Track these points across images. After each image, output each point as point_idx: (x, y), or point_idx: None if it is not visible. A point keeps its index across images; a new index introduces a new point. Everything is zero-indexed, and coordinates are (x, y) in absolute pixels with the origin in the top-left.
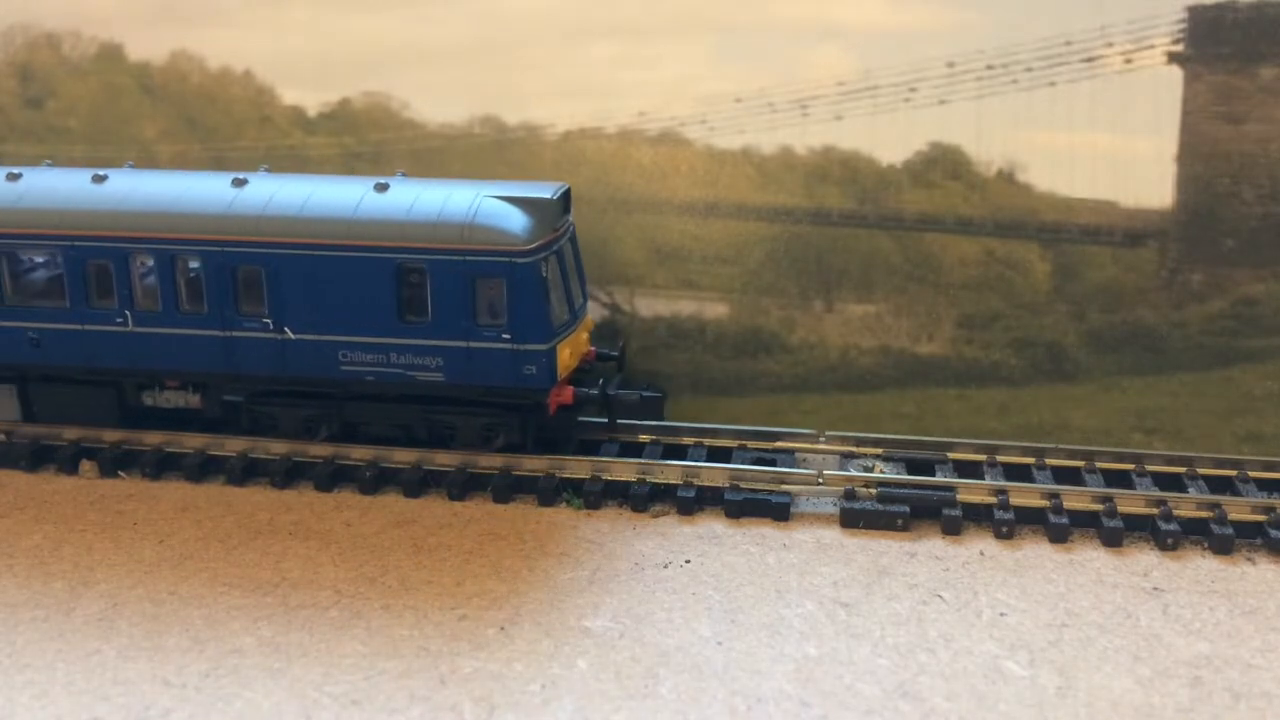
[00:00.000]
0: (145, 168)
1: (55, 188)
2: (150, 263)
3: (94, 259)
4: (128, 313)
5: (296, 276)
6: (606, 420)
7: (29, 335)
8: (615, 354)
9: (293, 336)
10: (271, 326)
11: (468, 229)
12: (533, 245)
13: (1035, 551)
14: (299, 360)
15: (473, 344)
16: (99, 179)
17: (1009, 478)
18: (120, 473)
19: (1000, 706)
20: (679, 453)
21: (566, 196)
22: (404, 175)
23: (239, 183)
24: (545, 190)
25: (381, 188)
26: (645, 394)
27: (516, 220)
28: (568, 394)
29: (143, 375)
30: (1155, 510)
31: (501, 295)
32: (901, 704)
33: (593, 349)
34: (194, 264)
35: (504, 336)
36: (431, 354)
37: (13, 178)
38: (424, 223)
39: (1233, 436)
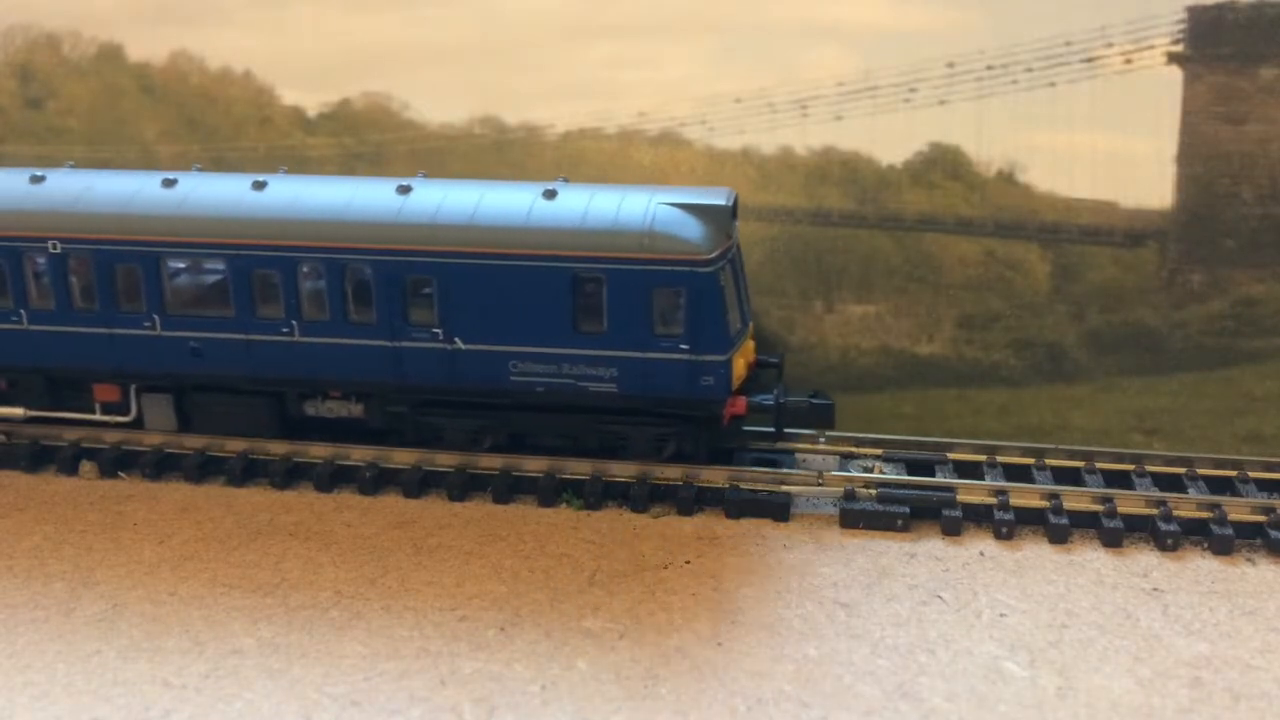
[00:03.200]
0: (301, 173)
1: (216, 195)
2: (318, 272)
3: (260, 268)
4: (294, 322)
5: (468, 286)
6: (774, 429)
7: (190, 345)
8: (775, 361)
9: (463, 347)
10: (441, 337)
11: (647, 237)
12: (713, 254)
13: (1035, 552)
14: (469, 370)
15: (648, 354)
16: (259, 185)
17: (1009, 478)
18: (120, 473)
19: (1000, 707)
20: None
21: (735, 203)
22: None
23: (403, 190)
24: (717, 196)
25: (550, 194)
26: (815, 401)
27: (695, 228)
28: (741, 404)
29: (307, 385)
30: (1155, 510)
31: (680, 305)
32: (901, 705)
33: (755, 357)
34: (363, 273)
35: (681, 347)
36: (605, 364)
37: (169, 184)
38: (601, 231)
39: (1233, 436)
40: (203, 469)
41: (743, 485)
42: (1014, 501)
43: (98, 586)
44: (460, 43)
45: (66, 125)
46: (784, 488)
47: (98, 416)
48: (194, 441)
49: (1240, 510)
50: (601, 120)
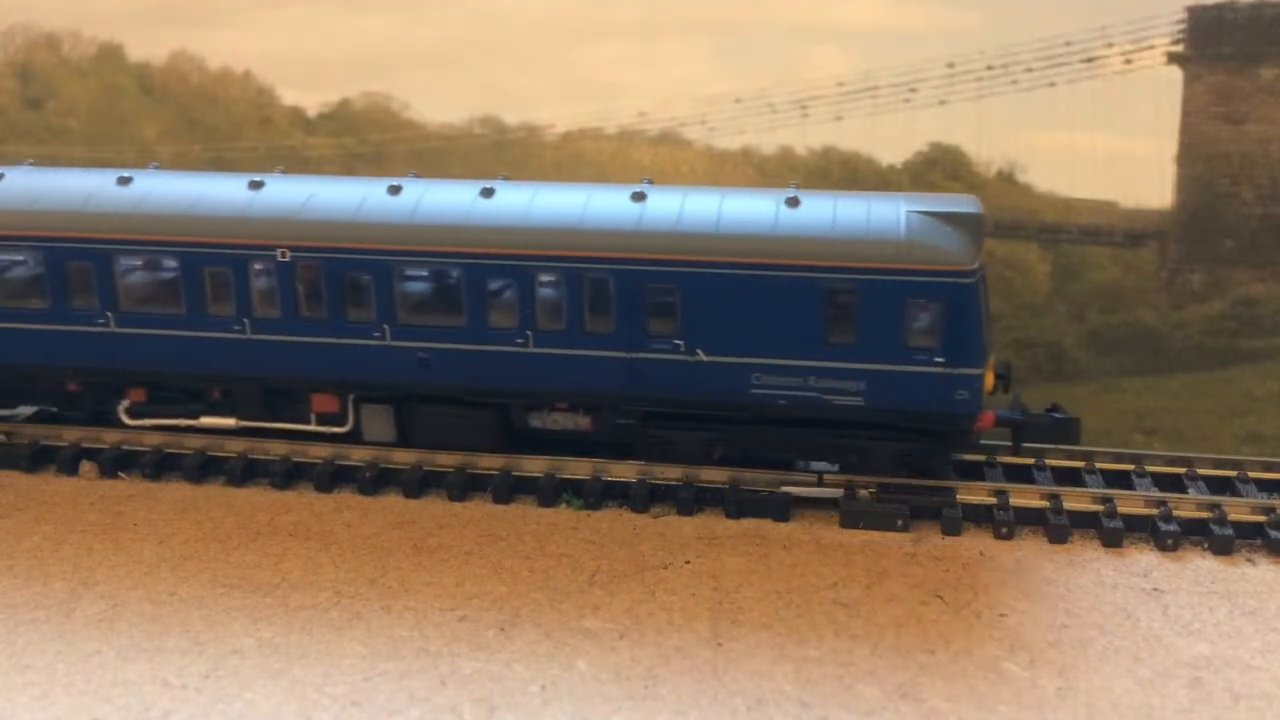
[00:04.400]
0: (527, 181)
1: (445, 202)
2: (555, 281)
3: (494, 277)
4: (529, 332)
5: (712, 296)
6: (1012, 444)
7: (418, 355)
8: (1003, 374)
9: (705, 358)
10: (683, 348)
11: (904, 247)
12: (973, 265)
13: (1035, 551)
14: (707, 383)
15: (900, 367)
16: (488, 193)
17: (1009, 478)
18: (120, 473)
19: (1000, 708)
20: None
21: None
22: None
23: (638, 197)
24: (967, 204)
25: (793, 202)
26: (1057, 416)
27: (954, 238)
28: (989, 418)
29: (536, 397)
30: (1155, 510)
31: (936, 317)
32: (901, 705)
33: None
34: (601, 283)
35: (936, 360)
36: (854, 377)
37: (394, 191)
38: (854, 240)
39: (1233, 437)
40: (203, 469)
41: (743, 485)
42: (1014, 501)
43: (98, 586)
44: (460, 43)
45: (66, 125)
46: (784, 488)
47: (312, 428)
48: (194, 441)
49: (1240, 510)
50: (601, 120)
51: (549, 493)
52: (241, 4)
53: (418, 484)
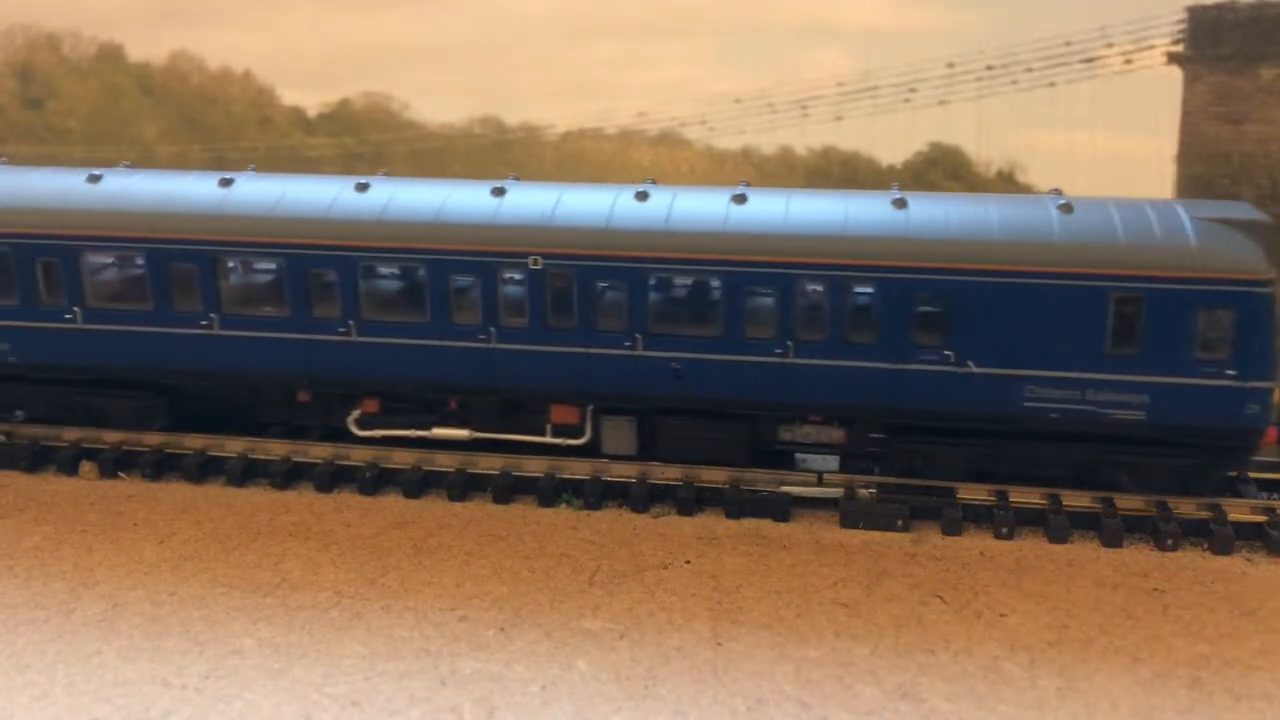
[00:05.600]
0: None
1: (696, 209)
2: (816, 290)
3: (752, 286)
4: (788, 343)
5: (985, 305)
6: None
7: (671, 365)
8: None
9: (975, 370)
10: (952, 359)
11: (1197, 254)
12: (1270, 274)
13: (1035, 551)
14: (977, 395)
15: (1187, 380)
16: (739, 199)
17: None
18: (120, 473)
19: (1000, 708)
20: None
21: None
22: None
23: (900, 204)
24: (1248, 210)
25: (1067, 208)
26: None
27: (1248, 245)
28: (1273, 433)
29: (790, 409)
30: (1155, 510)
31: (1228, 327)
32: (901, 705)
33: None
34: (865, 292)
35: (1227, 372)
36: (1136, 390)
37: (642, 197)
38: (1142, 247)
39: None
40: (203, 469)
41: (743, 485)
42: (1014, 501)
43: (98, 586)
44: (460, 43)
45: (66, 125)
46: (784, 488)
47: (547, 439)
48: (194, 441)
49: (1240, 510)
50: (601, 120)
51: (549, 493)
52: (241, 4)
53: (418, 484)
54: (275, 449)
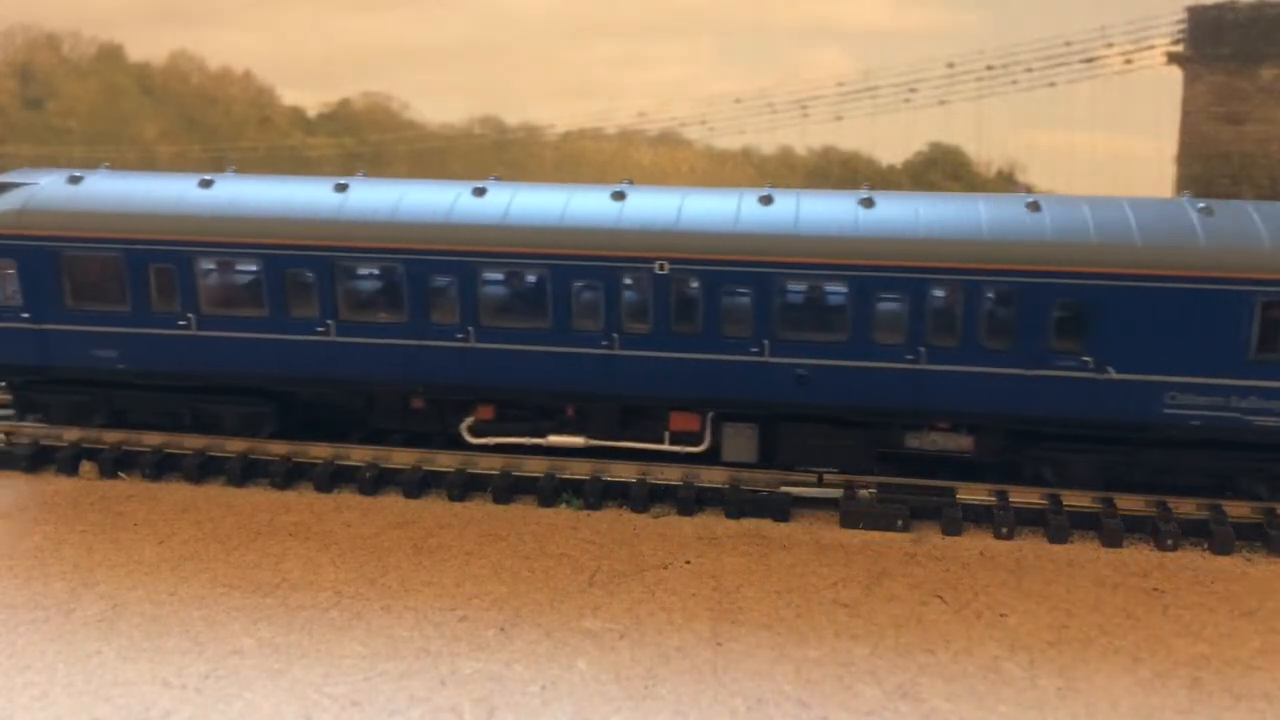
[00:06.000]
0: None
1: (825, 213)
2: (949, 295)
3: (881, 291)
4: (920, 349)
5: (1127, 310)
6: None
7: (796, 372)
8: None
9: (1115, 376)
10: (1091, 365)
11: None
12: None
13: (1035, 551)
14: (1115, 402)
15: None
16: (867, 203)
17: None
18: (120, 474)
19: (1000, 708)
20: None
21: None
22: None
23: (1034, 207)
24: None
25: (1207, 211)
26: None
27: None
28: None
29: (919, 416)
30: (1155, 510)
31: None
32: (901, 705)
33: None
34: (1001, 297)
35: None
36: None
37: (766, 201)
38: None
39: None
40: (203, 469)
41: (743, 485)
42: (1014, 501)
43: (98, 586)
44: (460, 43)
45: (66, 125)
46: (784, 488)
47: (665, 447)
48: (194, 441)
49: (1240, 510)
50: (601, 120)
51: (549, 493)
52: (241, 4)
53: (418, 484)
54: (275, 449)
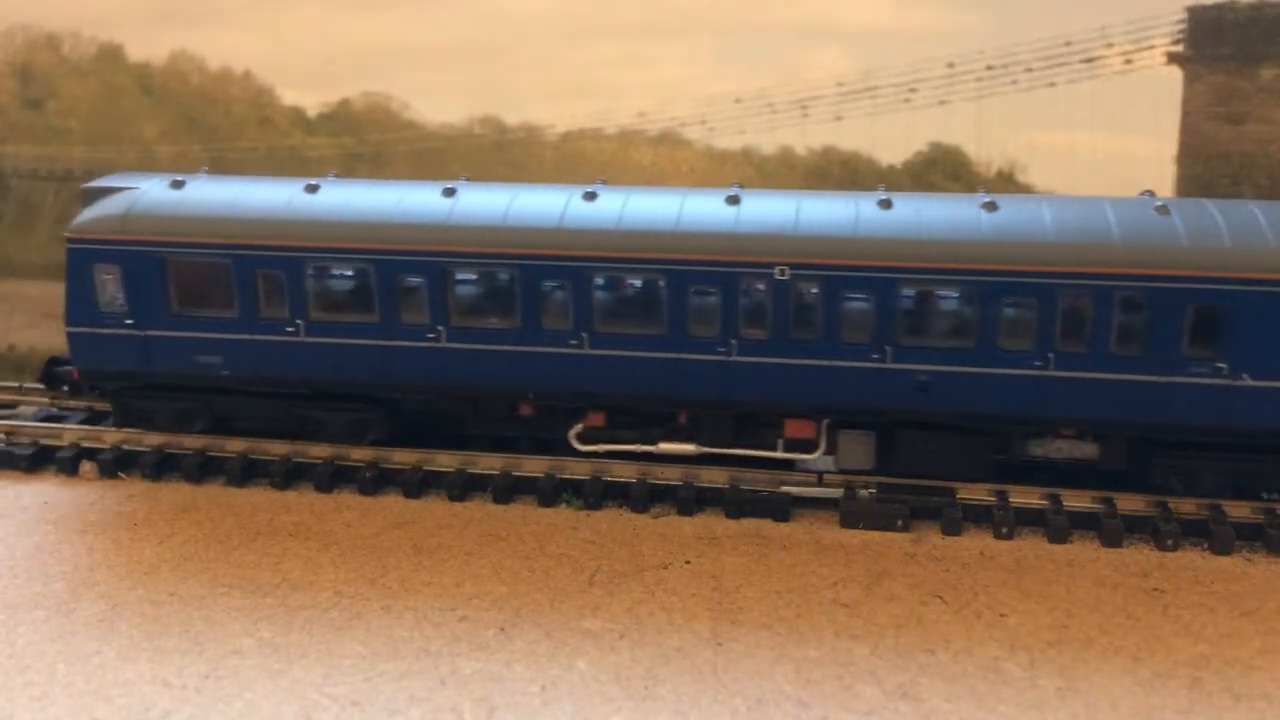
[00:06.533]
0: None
1: (944, 217)
2: (1079, 300)
3: (1008, 296)
4: (1049, 355)
5: (1262, 315)
6: None
7: (917, 378)
8: None
9: (1250, 383)
10: (1225, 371)
11: None
12: None
13: (1035, 551)
14: (1250, 409)
15: None
16: (990, 206)
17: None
18: (120, 473)
19: (1000, 708)
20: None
21: None
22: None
23: (1163, 210)
24: None
25: None
26: None
27: None
28: None
29: (1044, 424)
30: (1155, 510)
31: None
32: (901, 705)
33: None
34: (1132, 302)
35: None
36: None
37: (885, 205)
38: None
39: None
40: (203, 469)
41: (743, 485)
42: (1014, 501)
43: (97, 587)
44: (460, 43)
45: (66, 125)
46: (784, 488)
47: (778, 454)
48: (194, 442)
49: (1240, 510)
50: (601, 120)
51: (549, 493)
52: (241, 4)
53: (418, 484)
54: (275, 449)
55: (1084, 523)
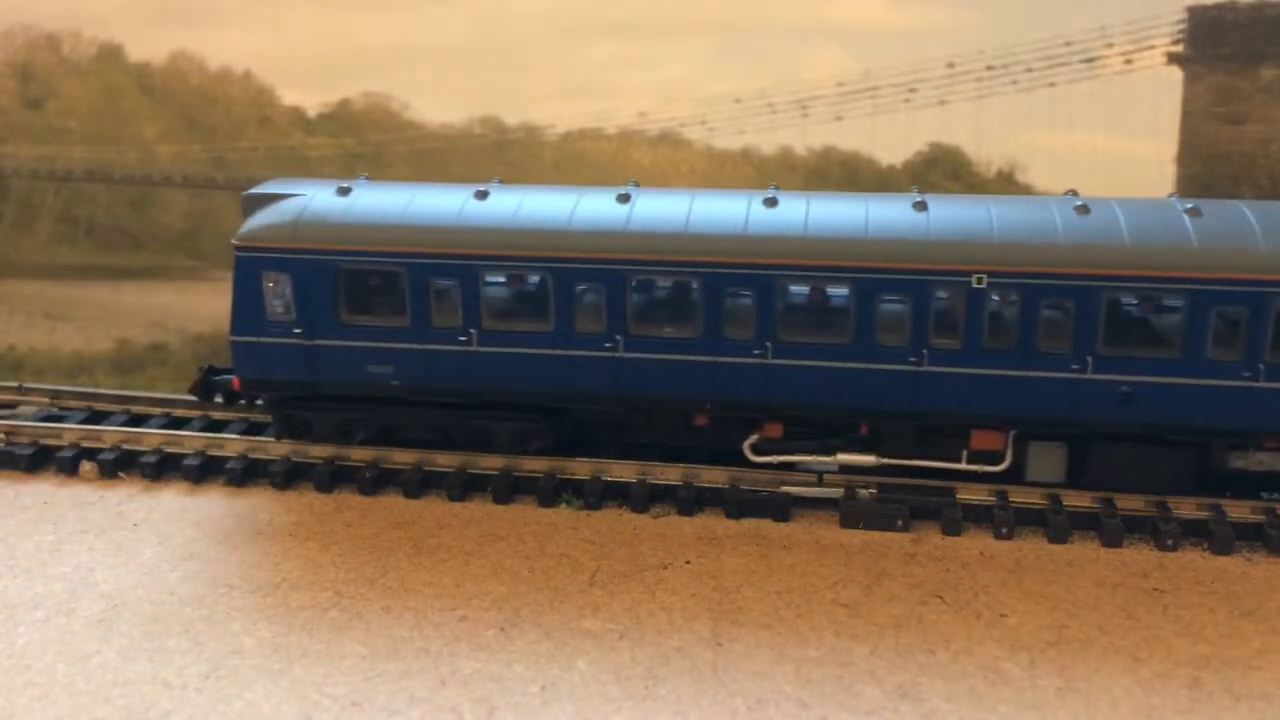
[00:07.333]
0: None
1: (1138, 221)
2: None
3: (1221, 304)
4: (1260, 365)
5: None
6: None
7: (1119, 389)
8: None
9: None
10: None
11: None
12: None
13: (1035, 551)
14: None
15: None
16: (1194, 212)
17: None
18: (120, 473)
19: (1000, 708)
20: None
21: None
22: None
23: None
24: None
25: None
26: None
27: None
28: None
29: (1250, 434)
30: (1155, 510)
31: None
32: (901, 705)
33: None
34: None
35: None
36: None
37: (1082, 210)
38: None
39: None
40: (203, 469)
41: (743, 485)
42: (1014, 501)
43: (98, 587)
44: (460, 43)
45: (66, 125)
46: (784, 488)
47: (962, 466)
48: (194, 442)
49: (1240, 510)
50: (601, 120)
51: (549, 493)
52: (241, 4)
53: (418, 484)
54: (275, 449)
55: (1084, 523)
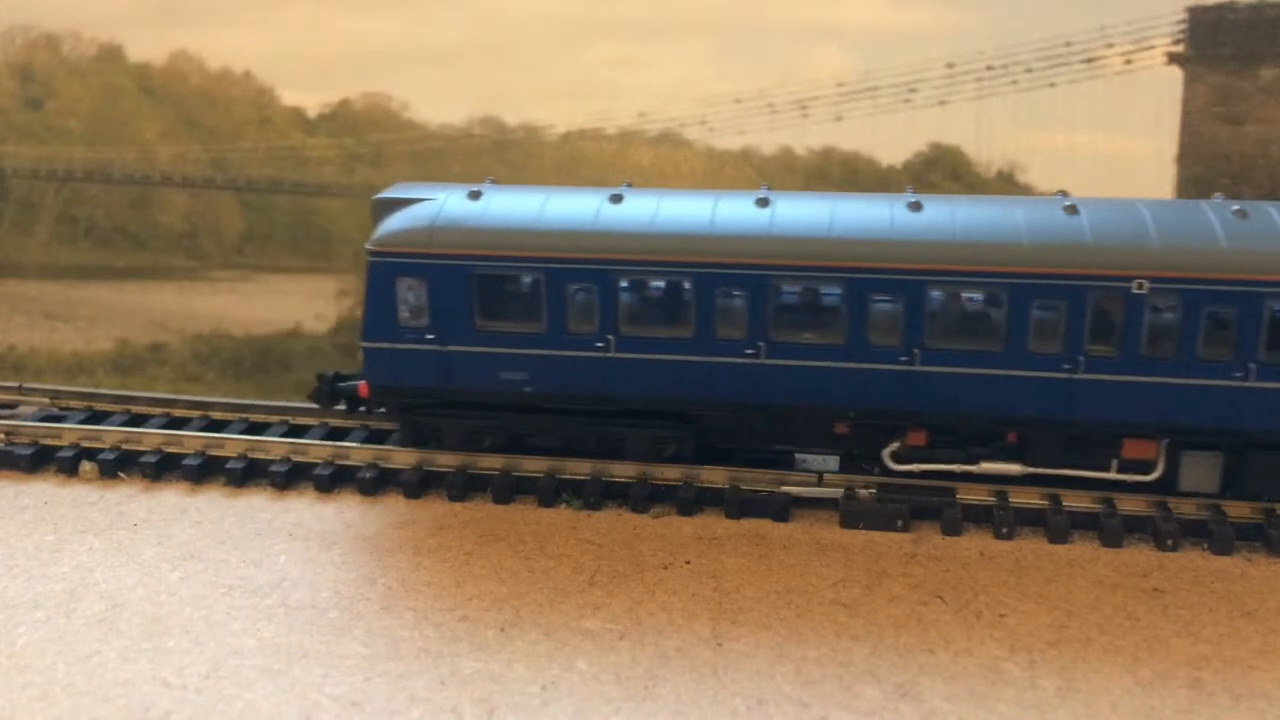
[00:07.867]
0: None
1: None
2: None
3: None
4: None
5: None
6: None
7: None
8: None
9: None
10: None
11: None
12: None
13: (1035, 551)
14: None
15: None
16: None
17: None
18: (120, 473)
19: (1000, 708)
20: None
21: None
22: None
23: None
24: None
25: None
26: None
27: None
28: None
29: None
30: (1155, 510)
31: None
32: (901, 705)
33: None
34: None
35: None
36: None
37: (1241, 215)
38: None
39: None
40: (203, 469)
41: (743, 485)
42: (1014, 501)
43: (97, 587)
44: (460, 43)
45: (66, 125)
46: (784, 488)
47: (1112, 476)
48: (194, 442)
49: (1240, 510)
50: (601, 120)
51: (549, 493)
52: (241, 4)
53: (418, 484)
54: (275, 449)
55: (1084, 523)
